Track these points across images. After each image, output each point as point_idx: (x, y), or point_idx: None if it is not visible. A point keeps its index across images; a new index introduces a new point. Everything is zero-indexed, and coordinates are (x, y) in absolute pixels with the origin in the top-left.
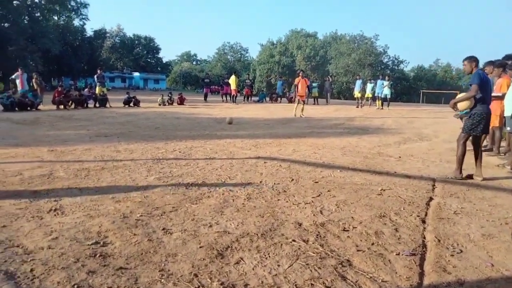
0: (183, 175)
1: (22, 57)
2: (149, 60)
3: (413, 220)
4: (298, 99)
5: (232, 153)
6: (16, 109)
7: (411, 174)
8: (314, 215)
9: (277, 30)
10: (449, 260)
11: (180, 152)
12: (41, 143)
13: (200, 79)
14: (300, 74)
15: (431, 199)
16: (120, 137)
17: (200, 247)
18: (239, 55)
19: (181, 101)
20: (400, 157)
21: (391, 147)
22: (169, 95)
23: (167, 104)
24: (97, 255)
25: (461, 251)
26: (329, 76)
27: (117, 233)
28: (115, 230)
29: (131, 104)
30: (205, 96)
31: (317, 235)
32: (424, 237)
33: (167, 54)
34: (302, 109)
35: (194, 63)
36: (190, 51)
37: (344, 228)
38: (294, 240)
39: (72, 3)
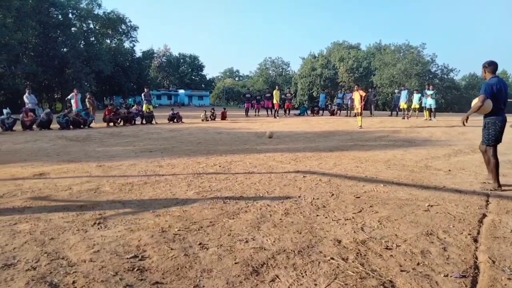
0: (221, 190)
1: (78, 78)
2: (193, 77)
3: (463, 239)
4: (356, 112)
5: (271, 167)
6: (71, 127)
7: (462, 188)
8: (354, 232)
9: (318, 43)
10: (505, 284)
11: (220, 166)
12: (91, 158)
13: (242, 95)
14: (355, 87)
15: (484, 216)
16: (163, 152)
17: (236, 263)
18: (280, 70)
19: (223, 117)
20: (450, 170)
21: (440, 160)
22: (212, 110)
23: (209, 119)
24: (135, 269)
25: None
26: (371, 88)
27: (155, 247)
28: (153, 244)
29: (175, 120)
30: (246, 111)
31: (357, 253)
32: (476, 258)
33: (210, 71)
34: (359, 121)
35: (236, 79)
36: (233, 67)
37: (387, 246)
38: (332, 258)
39: (123, 27)
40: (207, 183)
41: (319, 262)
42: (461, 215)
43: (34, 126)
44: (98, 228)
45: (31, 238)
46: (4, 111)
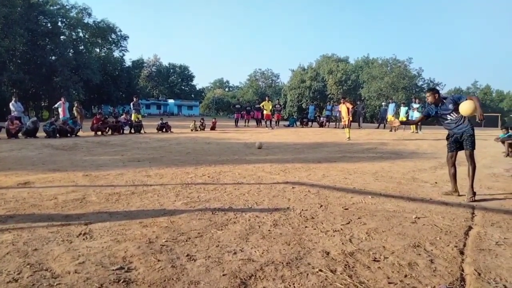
0: (210, 200)
1: (66, 87)
2: (183, 87)
3: (450, 251)
4: (344, 124)
5: (260, 178)
6: (58, 135)
7: (449, 201)
8: (343, 243)
9: (308, 56)
10: None
11: (209, 177)
12: (77, 168)
13: (231, 105)
14: (342, 100)
15: (470, 228)
16: (151, 162)
17: (223, 275)
18: (270, 81)
19: (213, 127)
20: (436, 182)
21: (427, 172)
22: (201, 120)
23: (199, 129)
24: (121, 281)
25: (505, 286)
26: (359, 101)
27: (142, 258)
28: (140, 256)
29: (164, 130)
30: (236, 122)
31: (346, 265)
32: (463, 270)
33: (200, 82)
34: (347, 133)
35: (226, 89)
36: (223, 78)
37: (375, 258)
38: (321, 270)
39: (113, 36)
40: (195, 193)
41: (308, 274)
42: (447, 227)
43: (20, 134)
44: (84, 239)
45: (13, 249)
46: None
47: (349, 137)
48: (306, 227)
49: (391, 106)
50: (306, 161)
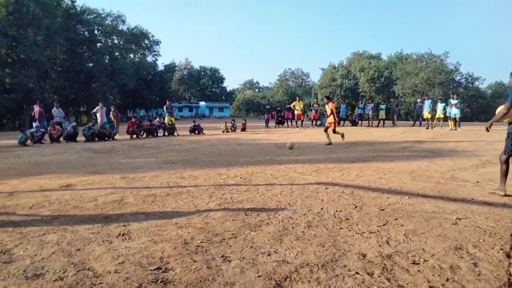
0: (243, 201)
1: (103, 92)
2: (214, 89)
3: (495, 254)
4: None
5: (293, 178)
6: (96, 139)
7: (492, 201)
8: (379, 245)
9: (338, 53)
10: None
11: (241, 178)
12: (115, 170)
13: (261, 106)
14: (325, 100)
15: None
16: (185, 163)
17: (258, 276)
18: (300, 80)
19: (244, 128)
20: (478, 182)
21: (467, 171)
22: (232, 122)
23: (230, 131)
24: (159, 281)
25: None
26: (392, 98)
27: (178, 259)
28: (176, 256)
29: (197, 132)
30: (266, 122)
31: (383, 268)
32: (510, 275)
33: (230, 83)
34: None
35: (256, 90)
36: (253, 79)
37: (414, 261)
38: (357, 273)
39: (146, 42)
40: (228, 194)
41: (344, 277)
42: (491, 228)
43: (61, 139)
44: (123, 240)
45: (58, 249)
46: (34, 124)
47: (330, 142)
48: (340, 228)
49: (427, 103)
50: (339, 161)
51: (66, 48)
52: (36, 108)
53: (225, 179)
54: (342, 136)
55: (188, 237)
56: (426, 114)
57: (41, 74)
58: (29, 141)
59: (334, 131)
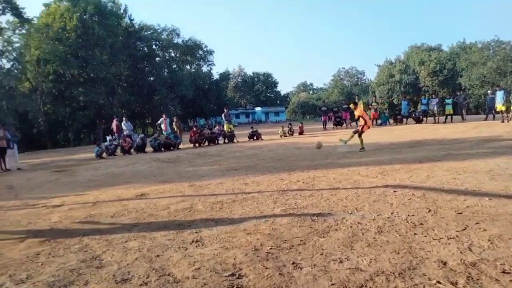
0: (308, 207)
1: (164, 104)
2: (268, 94)
3: None
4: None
5: (357, 182)
6: (162, 149)
7: None
8: (461, 252)
9: (394, 48)
10: None
11: (303, 182)
12: (183, 179)
13: (317, 108)
14: (352, 105)
15: None
16: (247, 170)
17: (332, 284)
18: (355, 79)
19: (301, 131)
20: None
21: None
22: (289, 126)
23: (287, 135)
24: (234, 287)
25: None
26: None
27: (250, 265)
28: (248, 263)
29: (255, 138)
30: (324, 124)
31: (468, 277)
32: None
33: (284, 87)
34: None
35: (310, 92)
36: (306, 81)
37: (504, 269)
38: (439, 282)
39: (200, 52)
40: (292, 200)
41: (424, 286)
42: None
43: (132, 150)
44: (196, 246)
45: (140, 255)
46: (108, 138)
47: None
48: (415, 234)
49: (499, 94)
50: (405, 162)
51: (129, 64)
52: (114, 122)
53: (288, 184)
54: (362, 147)
55: (258, 243)
56: (499, 106)
57: (109, 90)
58: (104, 154)
59: (359, 135)
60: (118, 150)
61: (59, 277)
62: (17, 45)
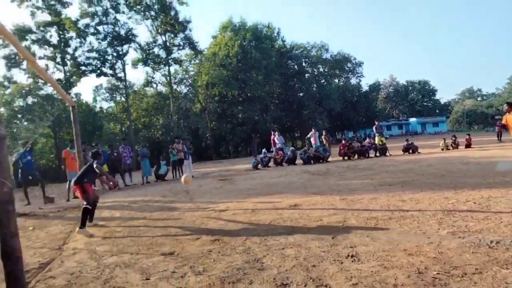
0: (482, 231)
1: (313, 118)
2: (425, 103)
3: None
4: None
5: None
6: (312, 162)
7: None
8: None
9: None
10: None
11: (474, 203)
12: (334, 191)
13: (489, 117)
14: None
15: None
16: (403, 185)
17: None
18: None
19: (468, 144)
20: None
21: None
22: (453, 138)
23: (451, 148)
24: None
25: None
26: None
27: None
28: (411, 285)
29: (411, 151)
30: (499, 135)
31: None
32: None
33: (444, 95)
34: None
35: (479, 99)
36: (472, 86)
37: None
38: None
39: (349, 65)
40: (461, 222)
41: None
42: None
43: (284, 163)
44: (352, 261)
45: (297, 263)
46: (263, 151)
47: None
48: None
49: None
50: None
51: (281, 82)
52: (273, 136)
53: (454, 204)
54: None
55: (421, 266)
56: None
57: (263, 107)
58: (259, 165)
59: None
60: (271, 162)
61: (228, 273)
62: (191, 73)
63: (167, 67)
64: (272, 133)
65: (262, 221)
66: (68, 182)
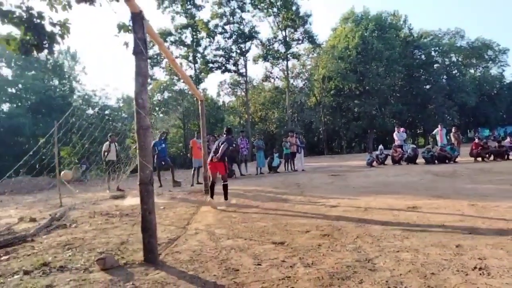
0: None
1: (440, 113)
2: None
3: None
4: None
5: None
6: (436, 161)
7: None
8: None
9: None
10: None
11: None
12: (461, 196)
13: None
14: None
15: None
16: None
17: None
18: None
19: None
20: None
21: None
22: None
23: None
24: None
25: None
26: None
27: None
28: None
29: None
30: None
31: None
32: None
33: None
34: None
35: None
36: None
37: None
38: None
39: (489, 53)
40: None
41: None
42: None
43: (402, 161)
44: (480, 274)
45: (413, 268)
46: (379, 147)
47: None
48: None
49: None
50: None
51: (404, 74)
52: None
53: None
54: None
55: None
56: None
57: (382, 101)
58: (374, 163)
59: None
60: (388, 160)
61: (337, 269)
62: (308, 67)
63: (285, 62)
64: (396, 128)
65: (375, 220)
66: (193, 169)
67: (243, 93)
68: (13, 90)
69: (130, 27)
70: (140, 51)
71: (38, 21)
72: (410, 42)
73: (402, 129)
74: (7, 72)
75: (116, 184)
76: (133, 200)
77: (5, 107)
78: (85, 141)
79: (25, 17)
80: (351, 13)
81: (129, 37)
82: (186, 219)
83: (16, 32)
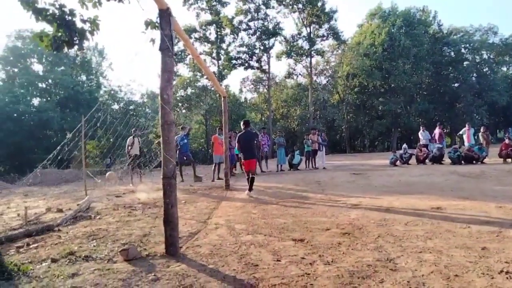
0: None
1: (468, 112)
2: None
3: None
4: None
5: None
6: (462, 162)
7: None
8: None
9: None
10: None
11: None
12: (488, 197)
13: None
14: None
15: None
16: None
17: None
18: None
19: None
20: None
21: None
22: None
23: None
24: None
25: None
26: None
27: None
28: None
29: None
30: None
31: None
32: None
33: None
34: None
35: None
36: None
37: None
38: None
39: None
40: None
41: None
42: None
43: (427, 161)
44: (507, 278)
45: (436, 270)
46: (403, 146)
47: None
48: None
49: None
50: None
51: (431, 72)
52: (436, 130)
53: None
54: None
55: None
56: None
57: (407, 99)
58: (398, 162)
59: None
60: (412, 159)
61: (357, 268)
62: (332, 64)
63: (308, 59)
64: (438, 127)
65: (397, 220)
66: (214, 164)
67: (265, 90)
68: (43, 85)
69: (157, 24)
70: (166, 47)
71: (70, 18)
72: (439, 38)
73: (438, 130)
74: (38, 68)
75: (138, 178)
76: (143, 195)
77: (36, 101)
78: (110, 136)
79: (57, 14)
80: (378, 9)
81: (156, 34)
82: (206, 214)
83: (48, 29)
